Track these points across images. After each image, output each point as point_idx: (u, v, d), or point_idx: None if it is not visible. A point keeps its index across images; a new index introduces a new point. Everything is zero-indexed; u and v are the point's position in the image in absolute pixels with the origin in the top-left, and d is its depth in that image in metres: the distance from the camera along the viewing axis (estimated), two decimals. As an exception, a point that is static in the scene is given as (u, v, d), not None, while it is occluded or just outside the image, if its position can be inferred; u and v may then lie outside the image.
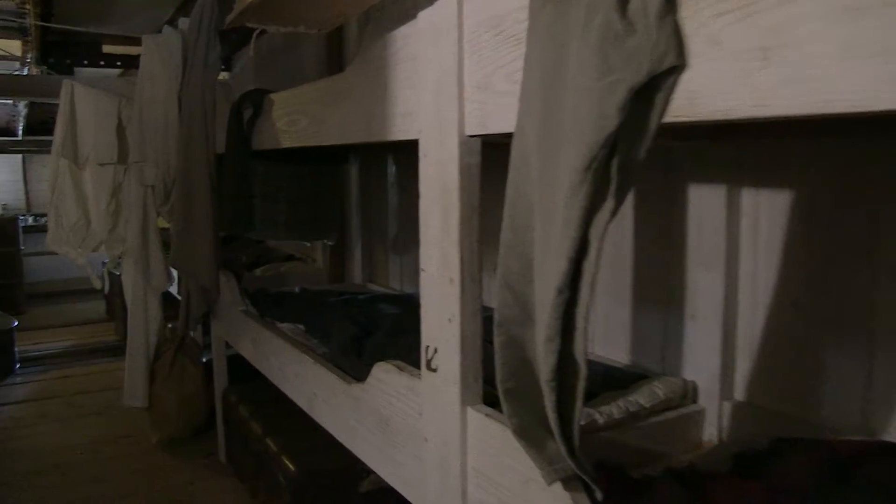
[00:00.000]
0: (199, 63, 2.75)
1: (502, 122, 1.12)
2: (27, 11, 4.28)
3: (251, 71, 4.54)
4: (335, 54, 3.30)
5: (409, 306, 2.46)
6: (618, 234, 1.83)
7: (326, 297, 2.74)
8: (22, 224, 7.54)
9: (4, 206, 8.12)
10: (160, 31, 3.10)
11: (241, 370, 2.87)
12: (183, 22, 3.13)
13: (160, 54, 2.86)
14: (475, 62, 1.18)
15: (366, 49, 1.56)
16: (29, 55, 5.29)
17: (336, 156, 2.99)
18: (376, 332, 2.16)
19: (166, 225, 3.12)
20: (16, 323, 4.85)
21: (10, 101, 7.47)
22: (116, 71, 5.61)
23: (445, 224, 1.27)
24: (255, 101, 2.17)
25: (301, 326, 2.35)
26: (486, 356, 1.21)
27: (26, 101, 7.04)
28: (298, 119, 1.92)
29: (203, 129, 2.70)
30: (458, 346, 1.27)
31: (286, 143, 1.99)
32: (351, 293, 2.86)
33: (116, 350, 5.18)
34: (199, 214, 2.72)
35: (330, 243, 3.24)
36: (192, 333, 3.19)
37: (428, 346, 1.37)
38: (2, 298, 6.68)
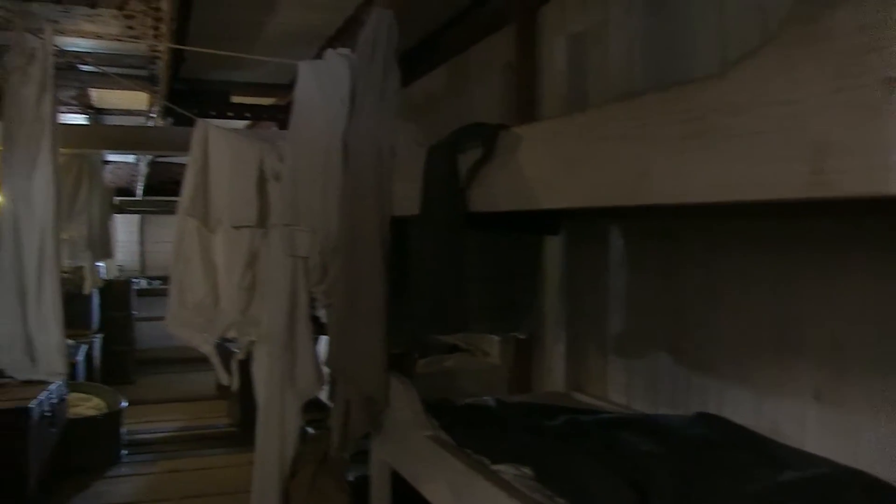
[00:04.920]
0: (373, 95, 2.06)
1: None
2: (159, 56, 3.81)
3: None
4: (527, 95, 2.57)
5: (672, 440, 1.66)
6: None
7: (538, 417, 1.94)
8: (135, 287, 7.16)
9: (121, 269, 7.81)
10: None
11: (407, 493, 2.06)
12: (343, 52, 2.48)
13: (321, 85, 2.18)
14: None
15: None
16: (154, 108, 4.91)
17: (542, 223, 2.22)
18: (652, 490, 1.38)
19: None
20: (124, 403, 4.25)
21: (133, 160, 7.27)
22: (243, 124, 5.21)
23: None
24: (486, 140, 1.41)
25: (527, 471, 1.57)
26: None
27: (148, 161, 6.76)
28: (593, 154, 1.11)
29: (377, 182, 2.00)
30: None
31: (557, 201, 1.21)
32: (566, 409, 2.05)
33: (230, 439, 4.54)
34: (368, 298, 2.00)
35: (522, 337, 2.46)
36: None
37: None
38: (113, 366, 6.24)
